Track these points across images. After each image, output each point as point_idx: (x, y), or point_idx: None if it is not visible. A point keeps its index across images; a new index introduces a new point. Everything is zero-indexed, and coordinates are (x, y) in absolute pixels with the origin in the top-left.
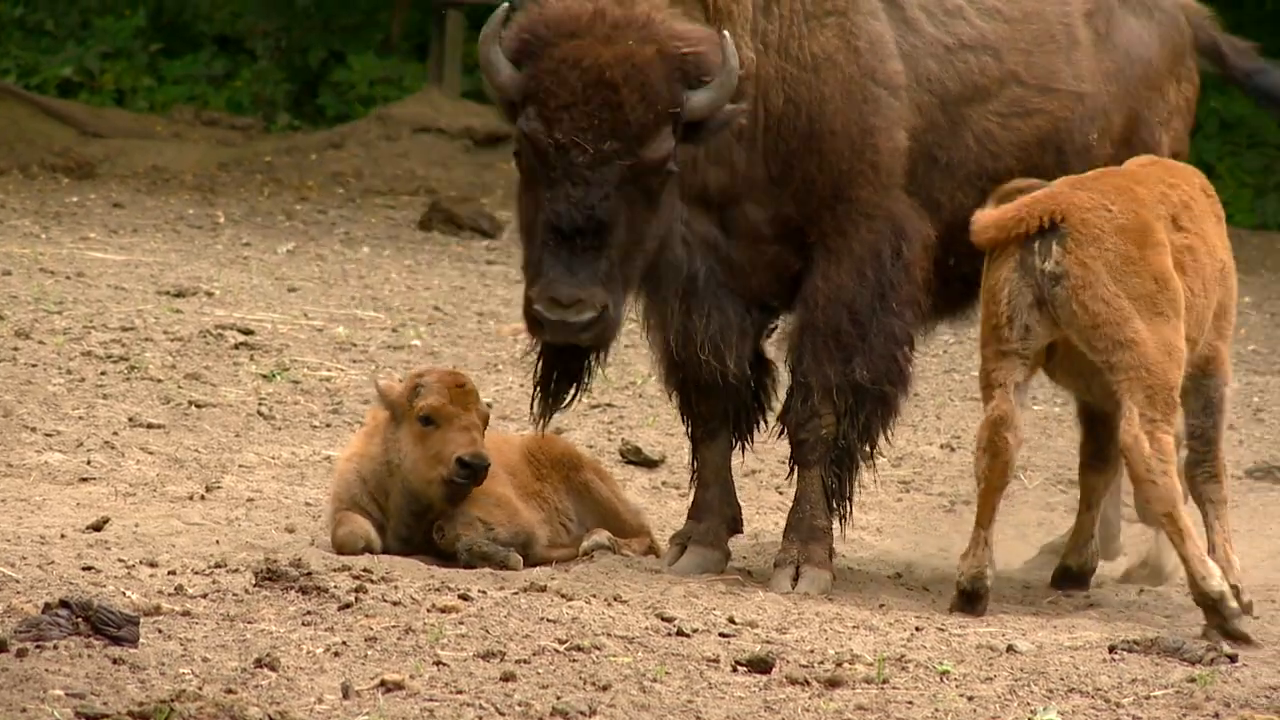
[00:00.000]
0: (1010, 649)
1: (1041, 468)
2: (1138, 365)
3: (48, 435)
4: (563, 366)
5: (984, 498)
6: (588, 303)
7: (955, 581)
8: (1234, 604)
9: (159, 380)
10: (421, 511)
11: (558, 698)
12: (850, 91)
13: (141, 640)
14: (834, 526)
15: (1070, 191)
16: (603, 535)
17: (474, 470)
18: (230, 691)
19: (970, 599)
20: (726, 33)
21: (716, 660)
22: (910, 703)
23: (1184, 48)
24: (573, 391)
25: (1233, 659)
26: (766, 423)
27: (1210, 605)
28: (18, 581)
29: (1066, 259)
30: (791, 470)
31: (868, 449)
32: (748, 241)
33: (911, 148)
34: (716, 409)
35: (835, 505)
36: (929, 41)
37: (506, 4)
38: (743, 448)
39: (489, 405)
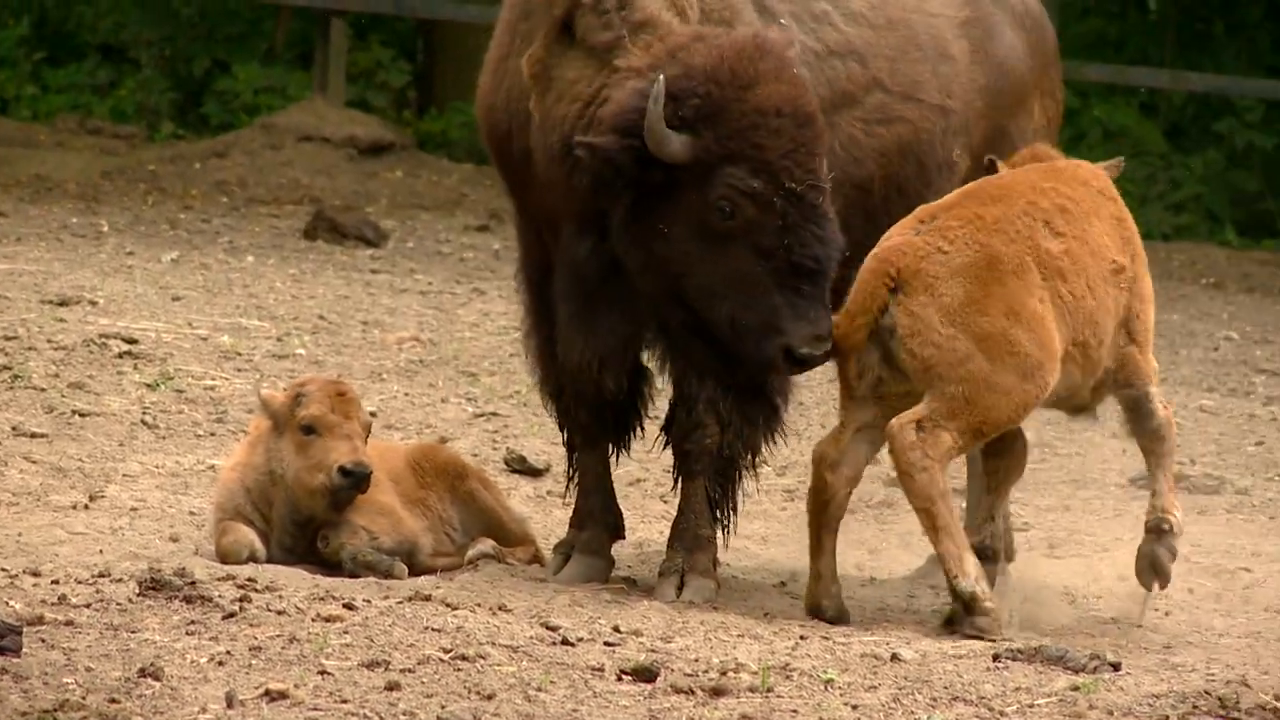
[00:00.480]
0: (894, 657)
1: None
2: (960, 397)
3: None
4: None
5: (810, 532)
6: (830, 330)
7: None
8: (986, 604)
9: (42, 389)
10: (305, 521)
11: (442, 707)
12: None
13: (25, 650)
14: (718, 535)
15: (903, 241)
16: (487, 544)
17: (356, 478)
18: (114, 701)
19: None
20: None
21: (601, 669)
22: (794, 711)
23: (1051, 58)
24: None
25: (1116, 667)
26: (644, 430)
27: (963, 603)
28: None
29: (896, 310)
30: (676, 480)
31: (751, 459)
32: (591, 278)
33: None
34: (596, 417)
35: (719, 515)
36: (800, 49)
37: (662, 76)
38: (618, 456)
39: (373, 414)
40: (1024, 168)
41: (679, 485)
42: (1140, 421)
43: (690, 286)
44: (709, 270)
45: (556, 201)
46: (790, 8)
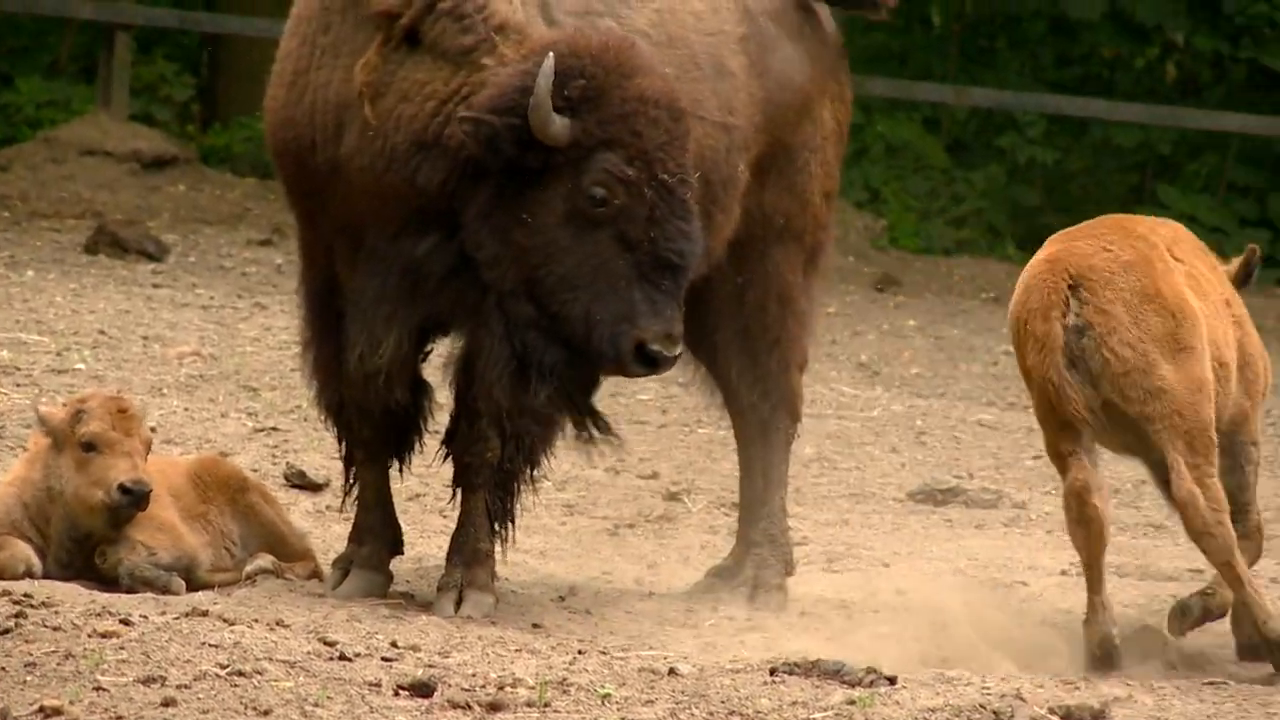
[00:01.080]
0: (672, 672)
1: (705, 491)
2: (1175, 415)
3: None
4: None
5: (1088, 567)
6: (681, 334)
7: (1086, 648)
8: None
9: None
10: (83, 537)
11: None
12: None
13: None
14: (497, 549)
15: (1065, 246)
16: (266, 559)
17: (135, 496)
18: None
19: (1103, 662)
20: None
21: (378, 684)
22: None
23: (835, 63)
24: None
25: (892, 681)
26: (424, 445)
27: (1271, 644)
28: None
29: (1085, 310)
30: (454, 494)
31: (531, 472)
32: (432, 276)
33: None
34: (377, 432)
35: (498, 528)
36: None
37: (551, 54)
38: (401, 470)
39: (153, 429)
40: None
41: (458, 498)
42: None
43: (548, 278)
44: (570, 260)
45: (376, 207)
46: (576, 23)
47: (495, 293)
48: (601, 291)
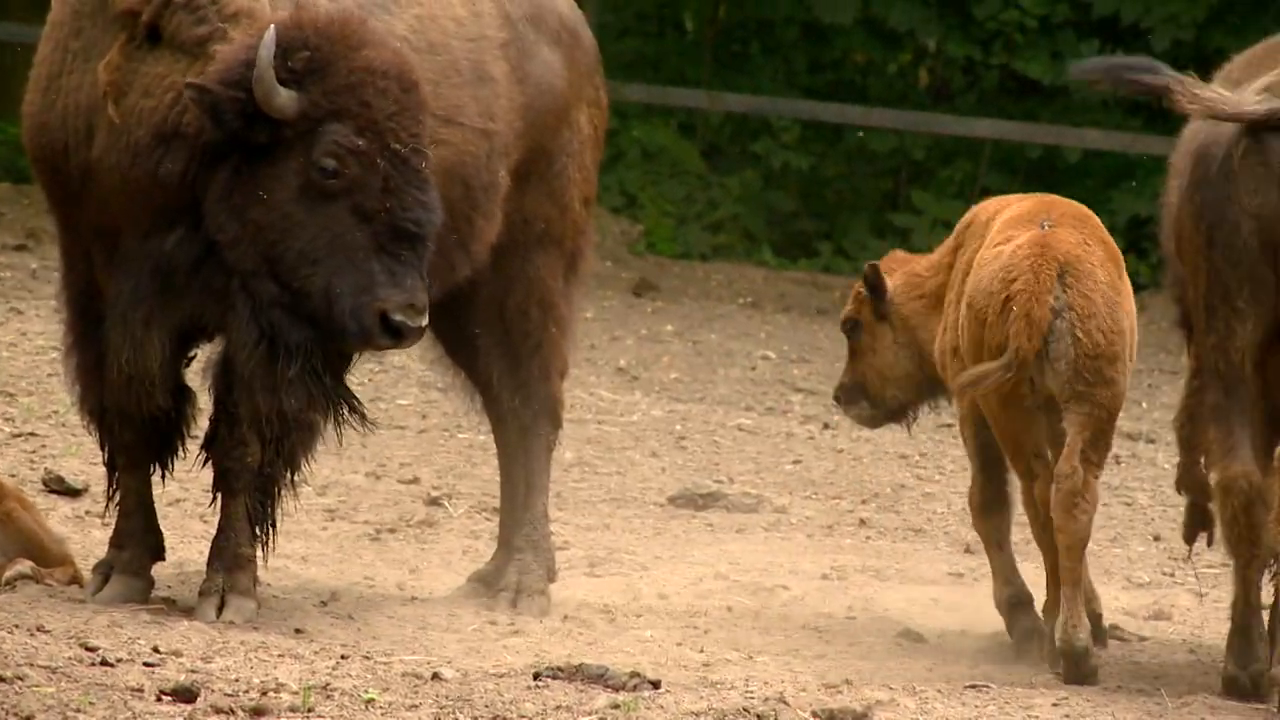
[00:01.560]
0: (435, 676)
1: (466, 496)
2: (1104, 408)
3: None
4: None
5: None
6: (427, 309)
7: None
8: (1092, 661)
9: None
10: None
11: None
12: None
13: None
14: (259, 554)
15: (1053, 233)
16: (25, 565)
17: None
18: None
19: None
20: None
21: (141, 690)
22: None
23: (592, 67)
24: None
25: (656, 685)
26: (187, 450)
27: (1074, 654)
28: None
29: (1068, 294)
30: (215, 499)
31: (291, 476)
32: (181, 269)
33: None
34: (138, 437)
35: (260, 532)
36: None
37: (272, 26)
38: (164, 476)
39: None
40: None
41: (219, 503)
42: None
43: (287, 254)
44: (308, 235)
45: (126, 207)
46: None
47: (239, 274)
48: (340, 265)
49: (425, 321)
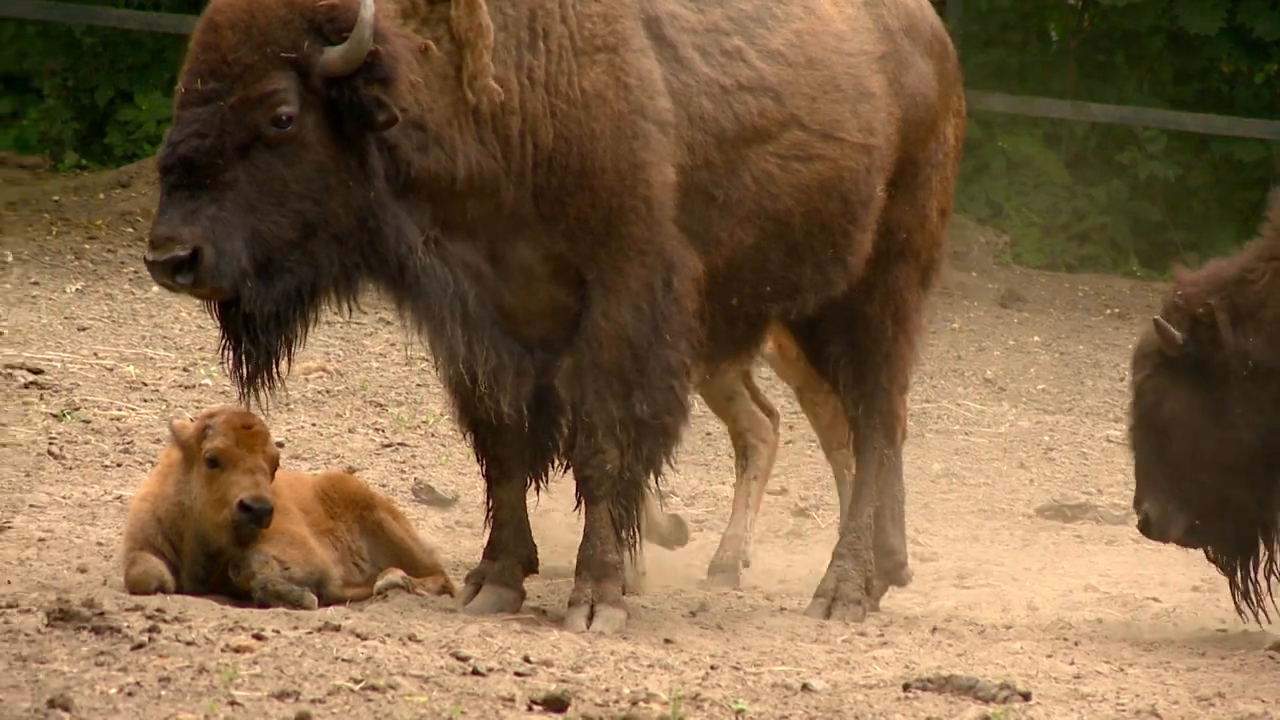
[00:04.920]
0: (805, 688)
1: (833, 506)
2: None
3: None
4: (223, 329)
5: None
6: (176, 240)
7: None
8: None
9: None
10: (215, 553)
11: None
12: (620, 128)
13: None
14: (625, 559)
15: None
16: (397, 574)
17: (256, 514)
18: None
19: None
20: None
21: (512, 699)
22: None
23: (956, 77)
24: (240, 357)
25: (1026, 697)
26: (561, 462)
27: None
28: None
29: None
30: (578, 505)
31: (653, 479)
32: (523, 282)
33: (685, 184)
34: (511, 449)
35: (624, 536)
36: (703, 81)
37: None
38: (537, 488)
39: (280, 444)
40: None
41: (582, 510)
42: None
43: None
44: None
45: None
46: (696, 41)
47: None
48: None
49: (157, 255)
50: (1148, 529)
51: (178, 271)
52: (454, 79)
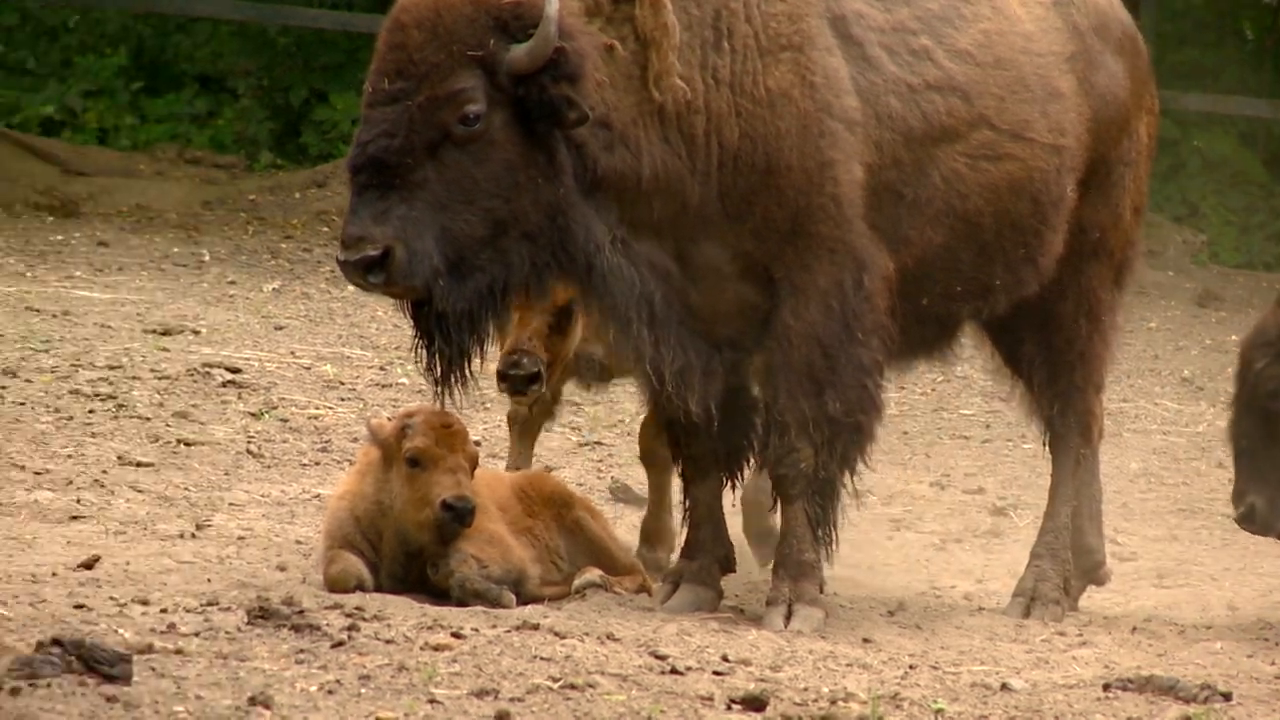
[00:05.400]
0: (1004, 687)
1: (1031, 506)
2: None
3: (37, 474)
4: (416, 328)
5: None
6: (367, 240)
7: None
8: None
9: (147, 419)
10: (415, 552)
11: None
12: (806, 127)
13: (135, 678)
14: (822, 556)
15: None
16: (595, 573)
17: (458, 514)
18: None
19: None
20: None
21: (710, 698)
22: None
23: (1148, 74)
24: (433, 356)
25: (1227, 697)
26: (755, 462)
27: None
28: (9, 620)
29: None
30: (774, 504)
31: (848, 478)
32: (711, 282)
33: (874, 183)
34: (706, 449)
35: (821, 534)
36: (891, 80)
37: None
38: (733, 487)
39: (477, 443)
40: None
41: (779, 509)
42: None
43: None
44: None
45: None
46: (883, 40)
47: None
48: None
49: (348, 255)
50: (1251, 522)
51: (369, 271)
52: (639, 78)
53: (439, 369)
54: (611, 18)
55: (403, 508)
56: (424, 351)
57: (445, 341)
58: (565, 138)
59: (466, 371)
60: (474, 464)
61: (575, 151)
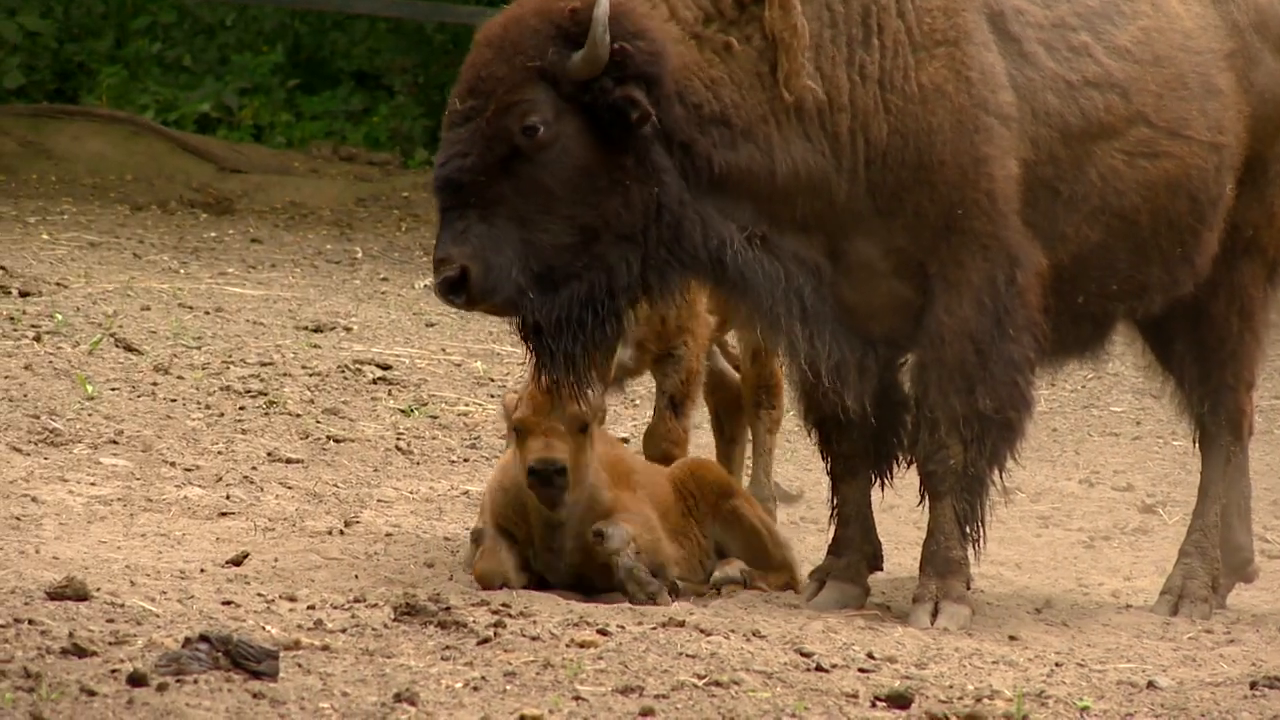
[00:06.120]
0: (1151, 685)
1: (1181, 503)
2: None
3: (187, 470)
4: (522, 340)
5: None
6: (447, 262)
7: None
8: None
9: (297, 415)
10: (556, 524)
11: None
12: (961, 122)
13: (281, 674)
14: (969, 554)
15: None
16: (733, 568)
17: (540, 476)
18: None
19: None
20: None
21: (855, 695)
22: None
23: None
24: (540, 365)
25: None
26: (905, 458)
27: None
28: (158, 616)
29: None
30: (922, 500)
31: (997, 475)
32: (864, 278)
33: (1030, 179)
34: (856, 446)
35: (969, 532)
36: (1048, 76)
37: None
38: (882, 485)
39: (625, 440)
40: None
41: (926, 504)
42: None
43: None
44: None
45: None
46: (1041, 35)
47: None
48: None
49: (442, 274)
50: None
51: (452, 291)
52: (769, 76)
53: (547, 378)
54: (735, 20)
55: (515, 477)
56: (533, 362)
57: (546, 352)
58: (662, 137)
59: (580, 378)
60: (578, 425)
61: (680, 150)
